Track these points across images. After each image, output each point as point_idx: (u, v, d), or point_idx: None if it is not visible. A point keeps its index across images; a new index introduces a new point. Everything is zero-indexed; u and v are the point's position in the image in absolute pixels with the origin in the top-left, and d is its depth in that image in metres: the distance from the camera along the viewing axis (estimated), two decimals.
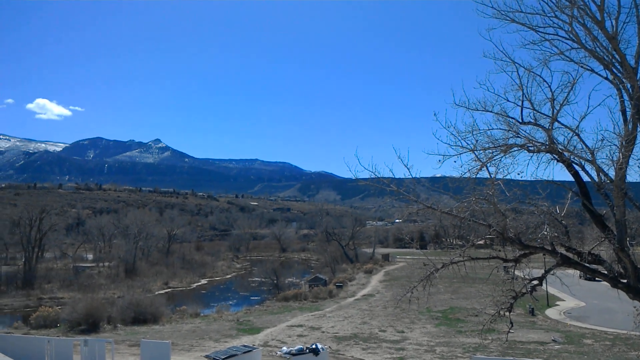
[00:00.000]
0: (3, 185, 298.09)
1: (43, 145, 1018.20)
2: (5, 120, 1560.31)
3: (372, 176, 16.20)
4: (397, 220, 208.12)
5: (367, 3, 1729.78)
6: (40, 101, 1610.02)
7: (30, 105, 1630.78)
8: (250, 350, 34.27)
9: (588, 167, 15.43)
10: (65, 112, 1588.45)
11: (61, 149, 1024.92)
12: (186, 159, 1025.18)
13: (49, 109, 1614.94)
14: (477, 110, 16.07)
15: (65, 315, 50.45)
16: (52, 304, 62.09)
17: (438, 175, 17.23)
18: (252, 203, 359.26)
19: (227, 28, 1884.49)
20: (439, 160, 15.89)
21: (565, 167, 15.76)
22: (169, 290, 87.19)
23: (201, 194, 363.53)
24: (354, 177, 16.37)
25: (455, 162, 15.93)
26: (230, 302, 73.24)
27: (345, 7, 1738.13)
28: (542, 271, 16.93)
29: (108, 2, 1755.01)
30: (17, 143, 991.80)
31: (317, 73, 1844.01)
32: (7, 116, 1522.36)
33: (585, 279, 66.73)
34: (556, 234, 16.14)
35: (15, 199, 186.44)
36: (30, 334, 45.89)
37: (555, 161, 15.79)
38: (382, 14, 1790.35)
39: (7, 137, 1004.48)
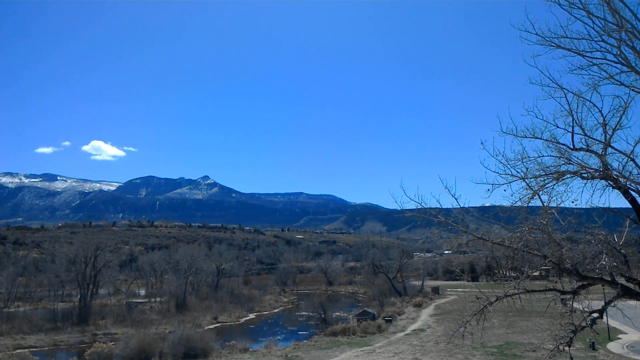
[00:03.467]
0: (60, 225, 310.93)
1: (98, 185, 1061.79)
2: (62, 162, 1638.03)
3: (418, 207, 15.99)
4: (445, 252, 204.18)
5: (410, 36, 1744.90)
6: (96, 143, 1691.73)
7: (85, 147, 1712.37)
8: None
9: None
10: (119, 152, 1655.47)
11: (115, 188, 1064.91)
12: (233, 194, 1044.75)
13: (104, 150, 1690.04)
14: (526, 137, 15.74)
15: (118, 351, 51.50)
16: (106, 340, 63.58)
17: (487, 205, 16.89)
18: (298, 236, 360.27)
19: (271, 68, 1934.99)
20: (488, 190, 15.57)
21: (621, 194, 15.14)
22: (218, 324, 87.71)
23: (248, 228, 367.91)
24: (399, 208, 16.20)
25: (505, 190, 15.58)
26: (279, 337, 72.90)
27: (387, 41, 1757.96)
28: (602, 303, 16.13)
29: (155, 47, 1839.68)
30: (73, 183, 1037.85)
31: (361, 106, 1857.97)
32: (64, 158, 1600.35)
33: None
34: (615, 264, 15.41)
35: (71, 237, 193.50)
36: None
37: (611, 188, 15.21)
38: (425, 46, 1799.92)
39: (64, 178, 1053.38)
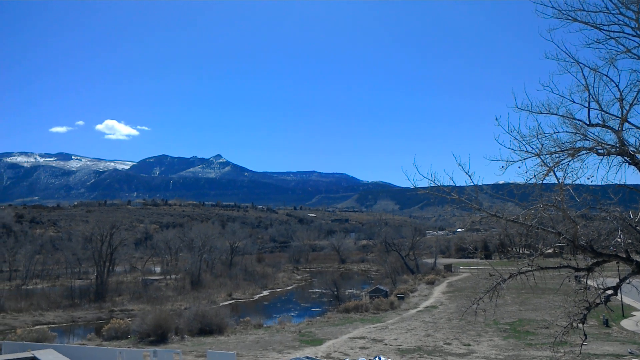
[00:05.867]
0: (75, 203, 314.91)
1: (112, 164, 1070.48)
2: (76, 141, 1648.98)
3: (431, 185, 15.91)
4: (458, 230, 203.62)
5: (422, 12, 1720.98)
6: (109, 122, 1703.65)
7: (99, 126, 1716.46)
8: None
9: None
10: (133, 131, 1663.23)
11: (129, 167, 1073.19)
12: (246, 173, 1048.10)
13: (117, 129, 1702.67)
14: (541, 113, 15.55)
15: (135, 327, 52.38)
16: (122, 316, 64.77)
17: (501, 182, 16.74)
18: (310, 215, 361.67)
19: (283, 46, 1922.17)
20: (502, 167, 15.46)
21: (637, 170, 14.95)
22: (233, 301, 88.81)
23: (261, 206, 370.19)
24: (412, 186, 16.13)
25: (519, 167, 15.47)
26: (292, 314, 73.71)
27: (399, 17, 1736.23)
28: (617, 280, 16.06)
29: (167, 26, 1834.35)
30: (88, 163, 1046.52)
31: (373, 84, 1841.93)
32: (78, 137, 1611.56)
33: None
34: (630, 241, 15.30)
35: (86, 216, 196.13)
36: (102, 345, 47.97)
37: (627, 164, 15.02)
38: (437, 22, 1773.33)
39: (79, 158, 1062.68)
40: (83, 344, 48.28)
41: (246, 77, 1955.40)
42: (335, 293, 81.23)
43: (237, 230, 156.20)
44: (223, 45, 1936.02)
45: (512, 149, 15.46)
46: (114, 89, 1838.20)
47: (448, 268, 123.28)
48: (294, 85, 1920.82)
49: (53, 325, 65.88)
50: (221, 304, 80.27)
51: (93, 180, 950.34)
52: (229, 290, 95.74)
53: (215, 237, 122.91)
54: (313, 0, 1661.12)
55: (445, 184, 15.84)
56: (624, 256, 14.86)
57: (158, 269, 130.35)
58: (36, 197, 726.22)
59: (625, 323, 52.70)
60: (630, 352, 38.57)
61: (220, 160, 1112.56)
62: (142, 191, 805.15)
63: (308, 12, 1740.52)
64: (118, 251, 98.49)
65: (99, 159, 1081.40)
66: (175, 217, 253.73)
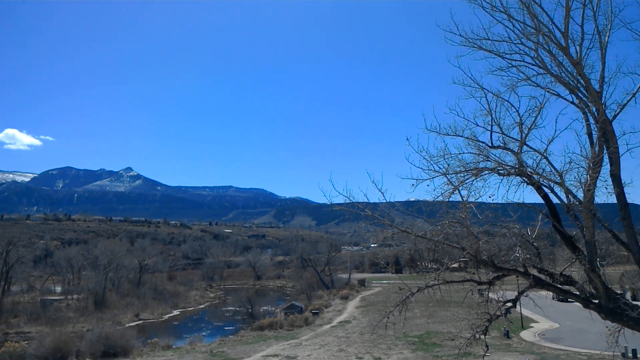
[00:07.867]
0: None
1: (11, 175, 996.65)
2: None
3: (346, 201, 16.12)
4: (372, 245, 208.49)
5: (340, 33, 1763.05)
6: (10, 131, 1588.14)
7: None
8: None
9: (557, 189, 15.71)
10: (35, 142, 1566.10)
11: (29, 179, 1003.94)
12: (158, 187, 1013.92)
13: (19, 139, 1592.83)
14: (448, 135, 16.29)
15: (32, 351, 49.02)
16: (18, 339, 59.99)
17: (412, 199, 17.28)
18: (226, 230, 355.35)
19: (200, 55, 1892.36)
20: (413, 185, 15.97)
21: (535, 190, 16.01)
22: (140, 322, 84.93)
23: (174, 222, 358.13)
24: (328, 203, 16.24)
25: (428, 185, 16.03)
26: (204, 333, 71.68)
27: (318, 36, 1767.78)
28: (516, 293, 17.02)
29: (77, 31, 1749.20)
30: None
31: (289, 99, 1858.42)
32: None
33: (558, 300, 67.81)
34: (528, 256, 16.26)
35: None
36: None
37: (525, 184, 16.05)
38: (354, 44, 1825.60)
39: None
40: None
41: (159, 85, 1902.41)
42: (250, 311, 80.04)
43: (147, 247, 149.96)
44: (133, 49, 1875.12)
45: (422, 168, 16.04)
46: (16, 96, 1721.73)
47: (362, 283, 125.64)
48: (210, 95, 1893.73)
49: None
50: (127, 325, 76.48)
51: None
52: (136, 310, 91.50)
53: (123, 255, 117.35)
54: (229, 5, 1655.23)
55: (360, 201, 16.11)
56: (522, 270, 15.76)
57: (59, 289, 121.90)
58: None
59: (525, 334, 56.08)
60: None
61: (131, 173, 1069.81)
62: (43, 205, 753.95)
63: (225, 18, 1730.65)
64: (15, 269, 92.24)
65: None
66: (79, 233, 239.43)
